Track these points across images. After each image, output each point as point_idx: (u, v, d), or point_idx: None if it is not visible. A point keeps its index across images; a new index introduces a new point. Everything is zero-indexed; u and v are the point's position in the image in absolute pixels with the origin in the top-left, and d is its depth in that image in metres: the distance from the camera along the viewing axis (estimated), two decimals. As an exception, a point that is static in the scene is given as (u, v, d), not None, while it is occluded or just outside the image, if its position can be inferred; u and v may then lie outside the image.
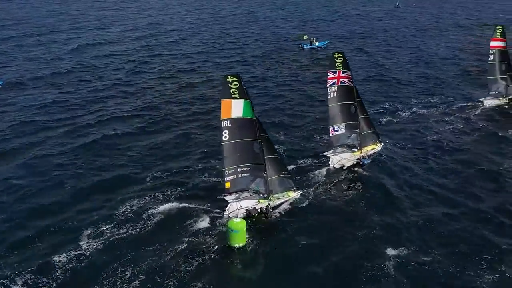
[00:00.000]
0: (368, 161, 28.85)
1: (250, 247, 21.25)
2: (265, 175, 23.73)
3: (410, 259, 20.47)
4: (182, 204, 24.30)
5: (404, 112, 38.91)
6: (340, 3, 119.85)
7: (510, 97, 40.04)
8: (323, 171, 28.31)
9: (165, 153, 31.33)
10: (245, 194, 24.20)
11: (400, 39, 72.41)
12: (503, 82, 39.91)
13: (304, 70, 53.75)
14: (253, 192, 24.14)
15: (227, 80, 22.35)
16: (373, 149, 29.90)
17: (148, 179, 27.35)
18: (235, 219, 21.16)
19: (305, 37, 67.73)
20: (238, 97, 22.53)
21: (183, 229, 22.32)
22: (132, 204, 24.43)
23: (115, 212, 23.71)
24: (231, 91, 22.43)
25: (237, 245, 20.88)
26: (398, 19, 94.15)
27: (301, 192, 25.11)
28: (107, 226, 22.39)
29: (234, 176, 23.63)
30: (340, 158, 29.04)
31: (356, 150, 29.51)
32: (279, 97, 43.37)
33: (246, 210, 23.05)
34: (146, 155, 31.00)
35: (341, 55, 27.65)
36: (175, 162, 29.78)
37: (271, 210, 23.54)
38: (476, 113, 38.71)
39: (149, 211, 23.75)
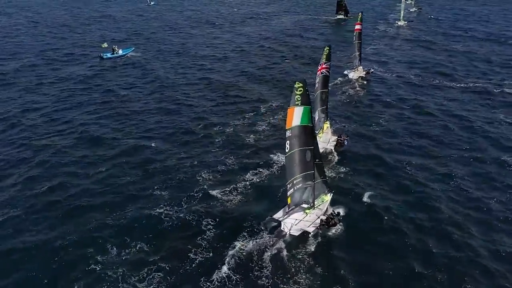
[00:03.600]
0: (347, 142, 31.10)
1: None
2: (313, 183, 22.46)
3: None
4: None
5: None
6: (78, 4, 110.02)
7: (361, 67, 49.09)
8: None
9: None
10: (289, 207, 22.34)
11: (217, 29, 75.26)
12: (358, 57, 48.66)
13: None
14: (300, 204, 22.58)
15: (295, 86, 19.74)
16: (326, 127, 32.13)
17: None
18: None
19: (104, 45, 57.37)
20: (299, 104, 20.19)
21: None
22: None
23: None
24: (295, 97, 19.93)
25: None
26: (171, 16, 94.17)
27: (332, 193, 24.12)
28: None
29: (292, 190, 21.43)
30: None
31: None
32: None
33: (321, 221, 21.70)
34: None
35: (329, 48, 28.51)
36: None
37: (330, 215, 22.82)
38: (348, 82, 46.54)
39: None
